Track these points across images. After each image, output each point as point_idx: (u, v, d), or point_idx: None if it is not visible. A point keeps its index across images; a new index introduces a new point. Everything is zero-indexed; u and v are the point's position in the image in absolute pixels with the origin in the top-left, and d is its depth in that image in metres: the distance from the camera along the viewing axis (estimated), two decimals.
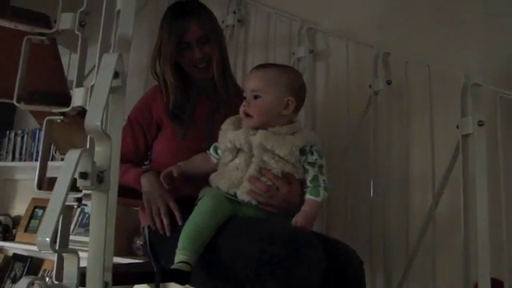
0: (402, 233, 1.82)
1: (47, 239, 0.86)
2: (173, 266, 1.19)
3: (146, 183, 1.50)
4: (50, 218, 0.88)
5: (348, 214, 1.96)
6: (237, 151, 1.34)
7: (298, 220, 1.26)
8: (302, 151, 1.31)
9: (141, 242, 2.50)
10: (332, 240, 1.34)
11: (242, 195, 1.30)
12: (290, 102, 1.35)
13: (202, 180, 1.42)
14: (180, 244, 1.22)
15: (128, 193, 1.60)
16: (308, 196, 1.31)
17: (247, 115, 1.35)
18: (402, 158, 1.90)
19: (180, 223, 1.37)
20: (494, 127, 1.57)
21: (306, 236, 1.17)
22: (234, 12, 2.57)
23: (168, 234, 1.39)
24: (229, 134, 1.34)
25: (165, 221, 1.40)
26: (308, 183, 1.32)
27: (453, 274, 1.68)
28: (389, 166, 1.93)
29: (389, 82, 1.99)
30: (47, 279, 1.00)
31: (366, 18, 2.17)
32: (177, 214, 1.40)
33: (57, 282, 1.13)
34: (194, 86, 1.65)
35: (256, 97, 1.34)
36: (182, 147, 1.56)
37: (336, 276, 1.23)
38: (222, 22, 2.57)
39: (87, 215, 2.92)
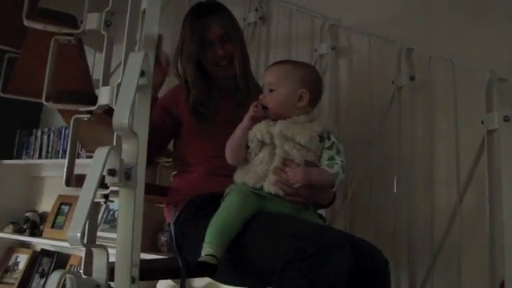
0: (427, 229, 1.81)
1: (78, 234, 0.88)
2: (199, 259, 1.20)
3: None
4: (80, 214, 0.90)
5: (372, 211, 1.95)
6: (260, 146, 1.37)
7: (295, 170, 1.29)
8: (321, 138, 1.36)
9: (165, 239, 2.53)
10: (358, 239, 1.34)
11: (269, 187, 1.32)
12: (303, 95, 1.39)
13: (227, 177, 1.44)
14: (207, 238, 1.23)
15: (153, 190, 1.63)
16: (321, 167, 1.34)
17: (264, 108, 1.40)
18: (426, 154, 1.88)
19: None
20: None
21: (334, 234, 1.17)
22: (256, 9, 2.57)
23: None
24: (253, 128, 1.38)
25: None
26: (324, 161, 1.35)
27: (479, 272, 1.66)
28: (413, 162, 1.92)
29: (412, 78, 1.97)
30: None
31: (389, 14, 2.15)
32: None
33: (85, 277, 1.16)
34: (215, 85, 1.67)
35: (271, 90, 1.40)
36: (205, 144, 1.57)
37: (361, 276, 1.23)
38: (244, 19, 2.58)
39: (112, 212, 2.97)
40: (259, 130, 1.36)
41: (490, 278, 1.54)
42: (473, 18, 1.94)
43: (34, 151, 3.51)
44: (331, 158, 1.35)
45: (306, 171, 1.29)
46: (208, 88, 1.64)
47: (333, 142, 1.37)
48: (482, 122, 1.62)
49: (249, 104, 1.44)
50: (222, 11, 1.67)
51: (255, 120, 1.38)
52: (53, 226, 3.32)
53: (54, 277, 0.90)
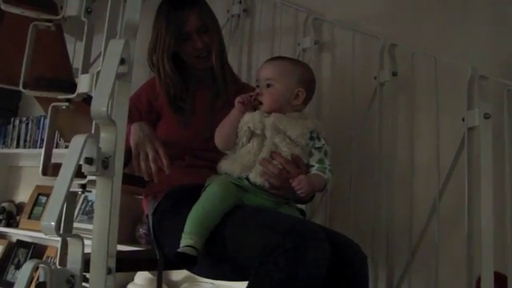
0: (406, 226, 1.82)
1: (52, 223, 0.86)
2: (179, 250, 1.19)
3: (137, 129, 1.45)
4: (56, 203, 0.88)
5: (351, 206, 1.96)
6: (249, 136, 1.36)
7: (300, 180, 1.28)
8: (311, 137, 1.37)
9: (144, 231, 2.52)
10: (337, 234, 1.34)
11: (256, 177, 1.32)
12: (300, 93, 1.41)
13: (207, 168, 1.42)
14: (186, 228, 1.22)
15: (132, 180, 1.60)
16: (314, 171, 1.36)
17: (259, 102, 1.40)
18: (406, 151, 1.89)
19: (167, 172, 1.35)
20: (501, 120, 1.56)
21: (312, 228, 1.17)
22: (240, 2, 2.56)
23: (155, 180, 1.36)
24: (245, 117, 1.37)
25: (153, 167, 1.36)
26: (314, 163, 1.37)
27: (456, 268, 1.68)
28: (393, 158, 1.93)
29: (395, 74, 1.98)
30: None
31: (373, 9, 2.15)
32: (165, 162, 1.36)
33: (60, 267, 1.14)
34: (192, 76, 1.65)
35: (269, 85, 1.40)
36: (183, 136, 1.56)
37: (339, 271, 1.23)
38: (228, 11, 2.57)
39: (90, 203, 2.94)
40: (252, 119, 1.35)
41: (467, 275, 1.55)
42: (456, 15, 1.95)
43: (11, 140, 3.45)
44: (321, 161, 1.37)
45: (309, 180, 1.31)
46: (184, 80, 1.63)
47: (323, 144, 1.39)
48: (463, 119, 1.63)
49: (228, 94, 1.43)
50: (198, 2, 1.65)
51: (246, 108, 1.38)
52: (30, 217, 3.27)
53: (27, 267, 0.88)
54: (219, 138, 1.40)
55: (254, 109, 1.40)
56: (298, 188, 1.28)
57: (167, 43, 1.58)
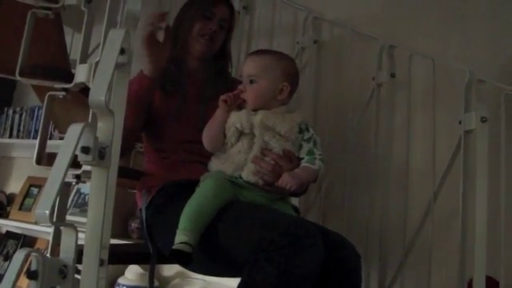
0: (400, 226, 1.82)
1: (46, 212, 0.85)
2: (174, 247, 1.17)
3: None
4: (50, 191, 0.87)
5: (346, 207, 1.96)
6: (238, 135, 1.34)
7: (283, 178, 1.27)
8: (300, 129, 1.35)
9: (136, 225, 2.51)
10: (331, 232, 1.34)
11: (248, 176, 1.30)
12: (284, 88, 1.38)
13: (202, 164, 1.42)
14: (181, 224, 1.21)
15: (127, 173, 1.60)
16: (303, 164, 1.34)
17: (243, 100, 1.38)
18: (402, 152, 1.89)
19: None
20: (497, 124, 1.56)
21: (307, 226, 1.16)
22: None
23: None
24: (231, 117, 1.35)
25: None
26: (304, 155, 1.36)
27: (448, 270, 1.68)
28: (389, 159, 1.93)
29: (393, 75, 1.98)
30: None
31: (372, 10, 2.15)
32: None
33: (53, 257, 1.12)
34: (183, 66, 1.65)
35: (252, 81, 1.38)
36: (179, 129, 1.55)
37: (333, 269, 1.23)
38: None
39: (83, 195, 2.92)
40: (239, 119, 1.33)
41: (459, 276, 1.55)
42: (455, 17, 1.96)
43: (4, 130, 3.43)
44: (310, 153, 1.35)
45: (293, 175, 1.29)
46: (179, 69, 1.64)
47: (312, 134, 1.37)
48: (460, 122, 1.63)
49: (215, 87, 1.44)
50: (231, 6, 1.72)
51: (231, 107, 1.36)
52: (20, 208, 3.25)
53: (19, 255, 0.86)
54: (207, 139, 1.38)
55: (239, 107, 1.37)
56: (284, 185, 1.27)
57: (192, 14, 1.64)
